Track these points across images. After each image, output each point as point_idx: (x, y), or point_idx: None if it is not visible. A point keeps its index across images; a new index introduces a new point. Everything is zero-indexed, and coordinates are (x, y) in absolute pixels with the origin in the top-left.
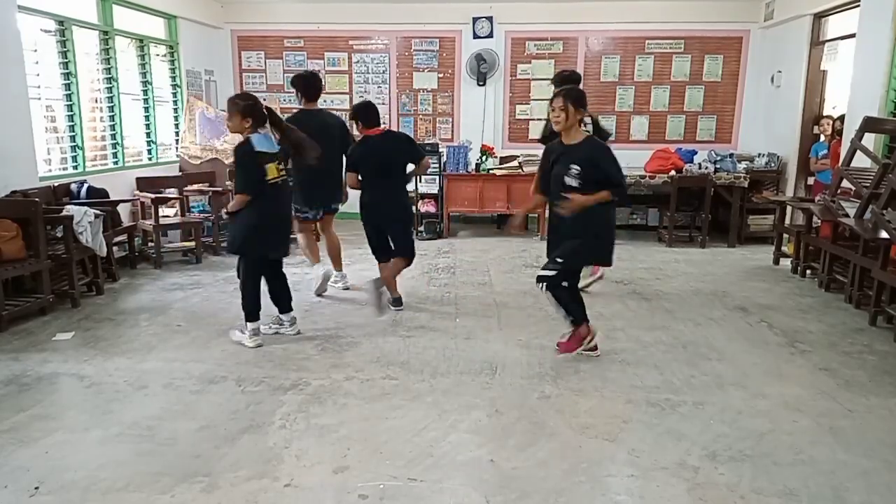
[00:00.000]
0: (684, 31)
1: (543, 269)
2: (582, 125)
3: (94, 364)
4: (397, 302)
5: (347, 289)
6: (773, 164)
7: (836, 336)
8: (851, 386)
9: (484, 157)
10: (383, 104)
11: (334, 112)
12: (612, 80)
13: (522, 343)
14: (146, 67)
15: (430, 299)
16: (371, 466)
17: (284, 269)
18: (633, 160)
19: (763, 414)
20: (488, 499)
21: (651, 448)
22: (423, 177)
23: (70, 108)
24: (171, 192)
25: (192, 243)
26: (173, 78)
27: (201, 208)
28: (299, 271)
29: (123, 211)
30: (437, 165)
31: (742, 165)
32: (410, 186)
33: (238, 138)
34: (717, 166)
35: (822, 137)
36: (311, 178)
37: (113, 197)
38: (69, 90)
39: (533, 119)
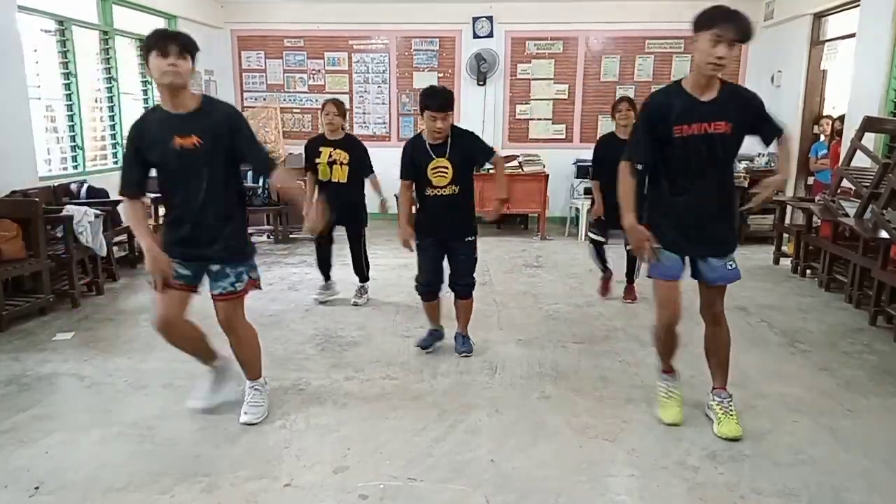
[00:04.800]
0: (684, 32)
1: None
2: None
3: (94, 364)
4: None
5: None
6: (773, 164)
7: (836, 336)
8: (851, 386)
9: None
10: (383, 104)
11: None
12: (612, 79)
13: (522, 343)
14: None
15: None
16: (371, 466)
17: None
18: None
19: (763, 414)
20: (488, 499)
21: (651, 448)
22: None
23: (70, 108)
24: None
25: None
26: None
27: None
28: (299, 271)
29: (123, 211)
30: None
31: (742, 165)
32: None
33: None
34: None
35: (822, 137)
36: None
37: (113, 197)
38: (69, 90)
39: (533, 119)
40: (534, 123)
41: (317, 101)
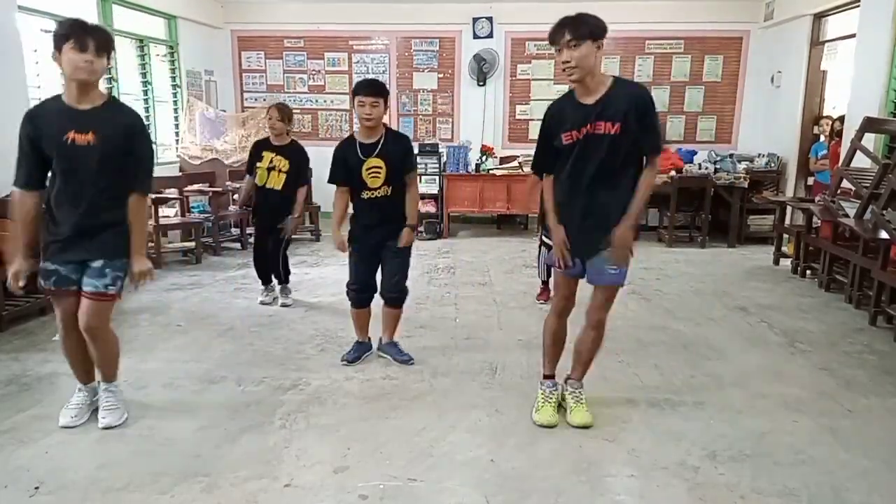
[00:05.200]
0: (684, 31)
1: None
2: None
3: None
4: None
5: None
6: (773, 165)
7: (836, 336)
8: (851, 386)
9: (484, 158)
10: None
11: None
12: None
13: (522, 343)
14: (146, 67)
15: (430, 299)
16: (371, 466)
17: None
18: None
19: (763, 414)
20: (488, 499)
21: (651, 448)
22: (423, 177)
23: None
24: (171, 193)
25: (192, 243)
26: (173, 78)
27: (201, 208)
28: (298, 271)
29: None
30: (437, 165)
31: (742, 166)
32: None
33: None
34: (717, 166)
35: (822, 137)
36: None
37: None
38: None
39: (533, 119)
40: (534, 124)
41: (317, 101)
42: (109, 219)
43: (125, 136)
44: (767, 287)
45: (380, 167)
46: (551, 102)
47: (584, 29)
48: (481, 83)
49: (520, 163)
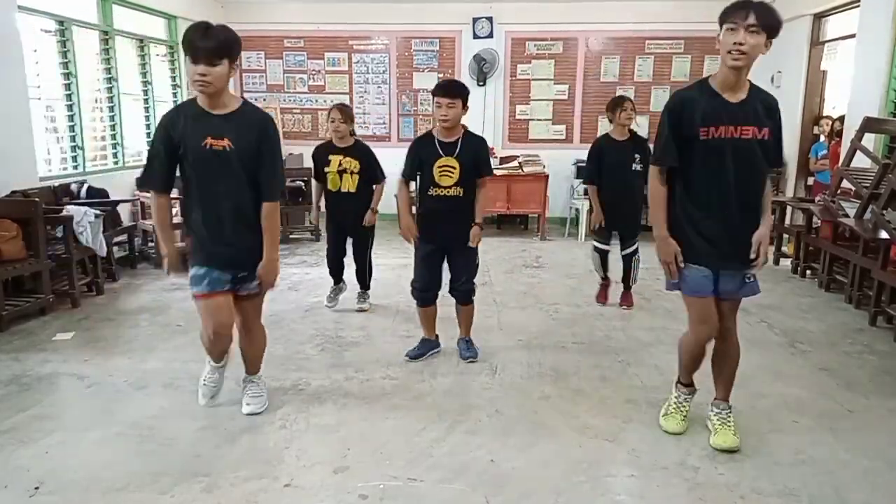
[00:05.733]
0: (684, 31)
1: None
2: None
3: (94, 364)
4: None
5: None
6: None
7: (836, 336)
8: (851, 386)
9: None
10: (383, 104)
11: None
12: (612, 80)
13: (522, 343)
14: (146, 67)
15: None
16: (371, 466)
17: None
18: None
19: (763, 414)
20: (488, 499)
21: (651, 448)
22: None
23: (70, 108)
24: (172, 192)
25: None
26: (173, 78)
27: None
28: (299, 271)
29: (123, 211)
30: None
31: None
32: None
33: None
34: None
35: (822, 137)
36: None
37: (113, 197)
38: (69, 90)
39: (533, 119)
40: (534, 124)
41: (317, 101)
42: (251, 228)
43: (257, 134)
44: (767, 287)
45: (454, 167)
46: (675, 93)
47: (769, 20)
48: (481, 83)
49: (520, 163)
